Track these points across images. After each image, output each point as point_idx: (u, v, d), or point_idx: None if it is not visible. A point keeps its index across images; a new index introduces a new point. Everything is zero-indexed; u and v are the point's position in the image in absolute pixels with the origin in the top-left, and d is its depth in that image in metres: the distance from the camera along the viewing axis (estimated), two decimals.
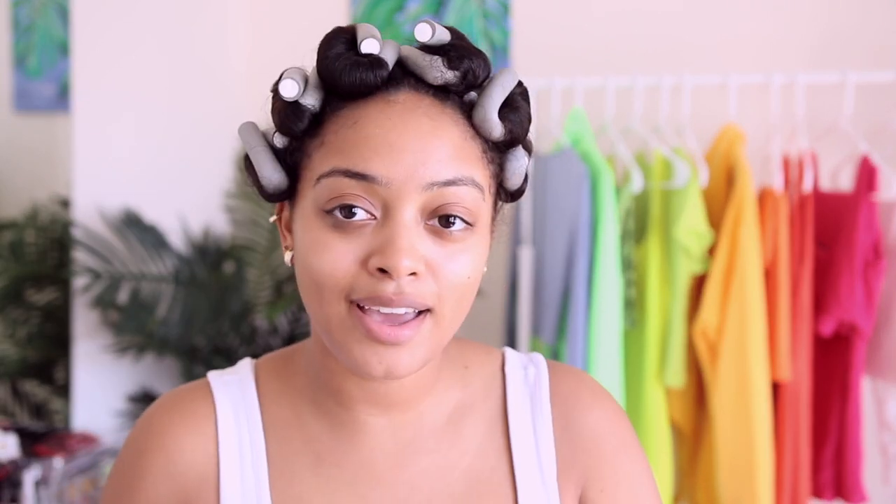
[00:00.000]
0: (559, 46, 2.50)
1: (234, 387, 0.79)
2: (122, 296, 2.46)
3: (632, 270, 1.97)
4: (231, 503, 0.74)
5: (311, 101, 0.69)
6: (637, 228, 2.03)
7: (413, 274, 0.66)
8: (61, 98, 3.27)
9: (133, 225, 2.50)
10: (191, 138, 2.65)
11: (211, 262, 2.64)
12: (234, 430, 0.76)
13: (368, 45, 0.67)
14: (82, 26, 2.49)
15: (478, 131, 0.69)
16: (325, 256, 0.67)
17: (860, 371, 1.91)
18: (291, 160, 0.70)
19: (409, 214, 0.66)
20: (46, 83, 3.32)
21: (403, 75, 0.69)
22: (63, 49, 3.25)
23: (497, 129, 0.69)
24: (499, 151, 0.72)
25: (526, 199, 2.06)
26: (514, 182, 0.73)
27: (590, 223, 1.92)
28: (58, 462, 2.21)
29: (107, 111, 2.52)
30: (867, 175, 1.88)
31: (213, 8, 2.74)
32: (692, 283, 1.98)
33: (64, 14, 3.24)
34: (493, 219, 0.73)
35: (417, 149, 0.66)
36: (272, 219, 0.77)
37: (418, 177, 0.66)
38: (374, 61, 0.67)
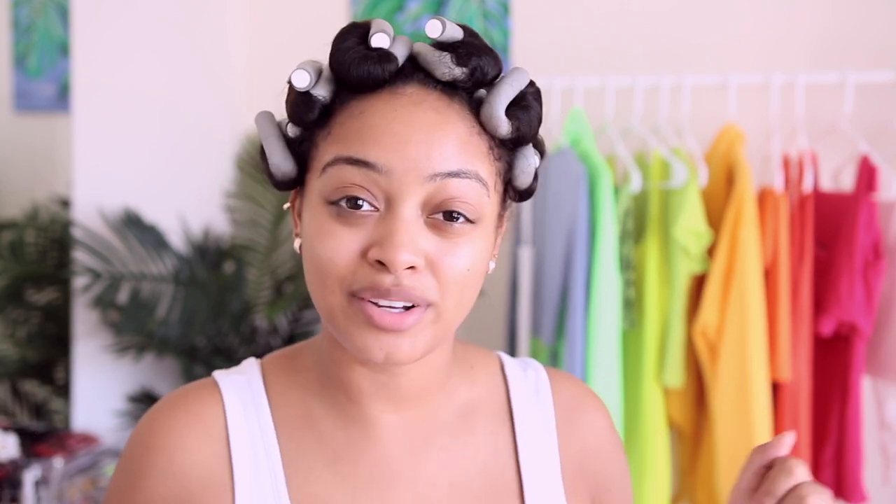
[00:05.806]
0: (559, 46, 2.50)
1: (242, 386, 0.77)
2: (122, 296, 2.46)
3: (630, 270, 1.97)
4: None
5: (323, 92, 0.69)
6: (636, 228, 2.03)
7: (412, 268, 0.66)
8: (61, 98, 3.27)
9: (133, 225, 2.50)
10: (191, 138, 2.65)
11: (211, 262, 2.64)
12: (246, 430, 0.75)
13: (378, 40, 0.68)
14: (82, 26, 2.49)
15: (485, 128, 0.70)
16: (327, 244, 0.68)
17: (860, 371, 1.91)
18: (301, 150, 0.72)
19: (410, 208, 0.67)
20: (46, 83, 3.32)
21: (414, 71, 0.70)
22: (63, 49, 3.25)
23: (504, 126, 0.69)
24: (507, 149, 0.72)
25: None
26: (522, 181, 0.73)
27: (588, 223, 1.92)
28: (58, 462, 2.21)
29: (107, 111, 2.52)
30: (867, 175, 1.88)
31: (213, 8, 2.74)
32: (692, 282, 1.98)
33: (64, 14, 3.24)
34: (501, 216, 0.74)
35: (422, 139, 0.67)
36: (286, 206, 0.78)
37: (422, 167, 0.66)
38: (383, 55, 0.68)
